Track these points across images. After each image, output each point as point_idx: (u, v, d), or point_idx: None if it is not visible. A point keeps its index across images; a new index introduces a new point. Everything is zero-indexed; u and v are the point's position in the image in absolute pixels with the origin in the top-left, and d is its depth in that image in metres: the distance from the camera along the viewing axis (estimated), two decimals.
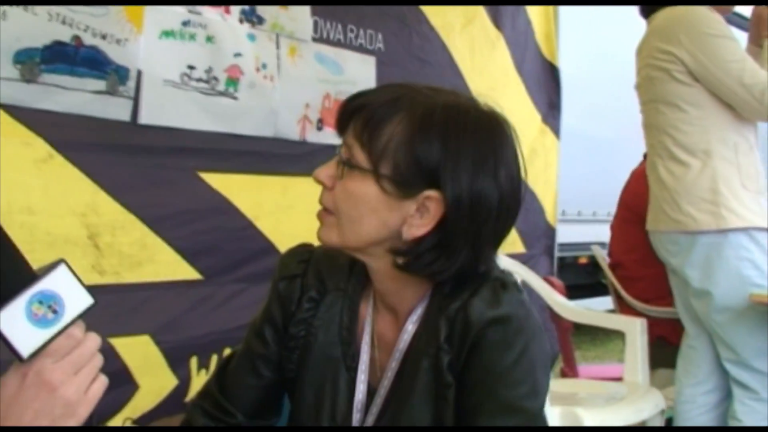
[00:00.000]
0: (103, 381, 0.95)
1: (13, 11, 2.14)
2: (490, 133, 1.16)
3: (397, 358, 1.22)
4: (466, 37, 3.59)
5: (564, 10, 4.20)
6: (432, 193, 1.12)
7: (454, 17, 3.53)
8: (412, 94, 1.16)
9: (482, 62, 3.68)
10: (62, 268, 0.92)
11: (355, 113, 1.16)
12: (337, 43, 3.01)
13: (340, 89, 2.97)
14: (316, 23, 2.93)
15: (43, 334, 0.90)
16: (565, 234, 4.72)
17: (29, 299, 0.89)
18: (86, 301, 0.94)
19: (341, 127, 1.19)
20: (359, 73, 3.07)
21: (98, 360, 0.95)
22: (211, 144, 2.61)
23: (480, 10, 3.68)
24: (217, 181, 2.63)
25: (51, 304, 0.90)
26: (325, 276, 1.29)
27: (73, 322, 0.93)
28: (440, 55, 3.47)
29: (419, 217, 1.14)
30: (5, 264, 0.89)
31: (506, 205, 1.16)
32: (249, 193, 2.70)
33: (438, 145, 1.12)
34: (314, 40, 2.92)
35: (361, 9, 3.09)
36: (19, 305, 0.88)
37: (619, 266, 3.50)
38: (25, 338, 0.89)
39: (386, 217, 1.14)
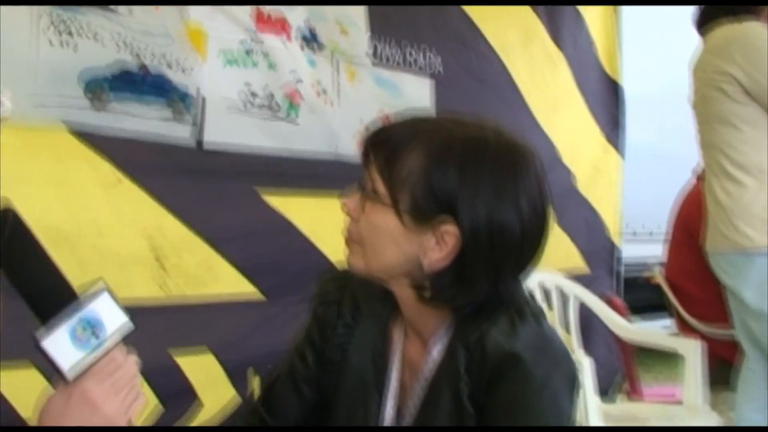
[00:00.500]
0: (142, 400, 1.00)
1: (83, 42, 2.25)
2: (510, 162, 1.16)
3: (422, 384, 1.23)
4: (526, 57, 3.60)
5: (627, 27, 4.15)
6: (448, 225, 1.13)
7: (513, 37, 3.55)
8: (432, 127, 1.18)
9: (542, 81, 3.68)
10: (105, 295, 0.96)
11: (376, 146, 1.19)
12: (395, 66, 3.06)
13: (399, 111, 2.98)
14: (375, 47, 2.99)
15: (86, 357, 0.94)
16: (635, 252, 4.65)
17: (74, 323, 0.93)
18: (127, 326, 0.98)
19: (364, 159, 1.20)
20: (417, 94, 3.12)
21: (138, 381, 1.00)
22: (273, 166, 2.68)
23: (540, 29, 3.68)
24: (279, 202, 2.69)
25: (94, 328, 0.94)
26: (361, 302, 1.32)
27: (114, 346, 0.97)
28: (499, 75, 3.49)
29: (438, 249, 1.14)
30: (49, 285, 0.93)
31: (529, 235, 1.16)
32: (309, 214, 2.74)
33: (454, 176, 1.13)
34: (373, 63, 2.98)
35: (419, 31, 3.14)
36: (64, 329, 0.93)
37: (679, 288, 3.43)
38: (70, 360, 0.93)
39: (406, 248, 1.16)
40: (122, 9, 2.33)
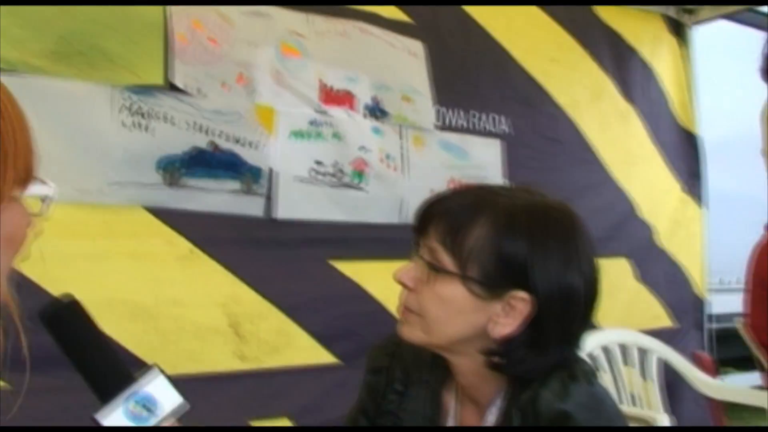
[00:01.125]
0: None
1: (156, 124, 2.40)
2: (570, 227, 1.19)
3: None
4: (595, 113, 3.59)
5: (701, 73, 4.09)
6: (520, 292, 1.14)
7: (580, 94, 3.55)
8: (490, 196, 1.20)
9: (614, 136, 3.65)
10: (159, 377, 0.99)
11: (434, 218, 1.19)
12: (461, 129, 3.10)
13: (467, 173, 3.04)
14: (438, 112, 3.05)
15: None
16: (725, 304, 4.46)
17: (130, 403, 0.97)
18: (182, 406, 1.00)
19: (420, 231, 1.21)
20: (485, 156, 3.15)
21: None
22: (341, 233, 2.76)
23: (608, 84, 3.66)
24: (349, 268, 2.75)
25: (149, 407, 0.98)
26: (410, 368, 1.31)
27: (170, 425, 1.00)
28: (569, 132, 3.49)
29: (505, 315, 1.15)
30: (108, 368, 0.99)
31: (592, 296, 1.19)
32: (379, 279, 2.72)
33: (523, 245, 1.14)
34: (437, 128, 3.04)
35: (484, 95, 3.19)
36: (120, 408, 0.96)
37: (763, 342, 3.28)
38: None
39: (473, 317, 1.16)
40: (193, 91, 2.48)
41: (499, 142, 3.21)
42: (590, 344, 2.95)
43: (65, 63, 2.31)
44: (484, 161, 3.14)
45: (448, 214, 1.18)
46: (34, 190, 0.88)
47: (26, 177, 0.86)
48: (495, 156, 3.19)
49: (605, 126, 3.63)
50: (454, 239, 1.15)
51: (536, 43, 3.42)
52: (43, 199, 0.90)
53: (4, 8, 2.20)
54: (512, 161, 3.21)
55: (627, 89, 3.75)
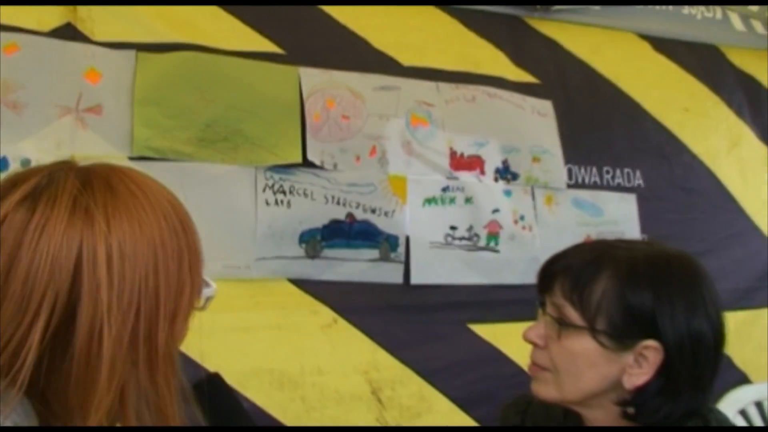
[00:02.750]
0: None
1: (296, 200, 2.50)
2: (693, 274, 1.20)
3: None
4: (734, 160, 3.47)
5: None
6: (650, 341, 1.15)
7: (717, 142, 3.45)
8: (610, 250, 1.22)
9: (757, 183, 3.51)
10: None
11: (558, 275, 1.22)
12: (593, 186, 3.07)
13: (601, 230, 3.00)
14: (570, 170, 3.03)
15: None
16: None
17: None
18: None
19: (545, 288, 1.24)
20: (620, 211, 3.10)
21: None
22: (478, 296, 2.76)
23: (745, 130, 3.54)
24: (486, 331, 2.75)
25: None
26: (541, 425, 1.34)
27: None
28: (707, 181, 3.39)
29: (638, 366, 1.16)
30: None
31: (720, 341, 1.18)
32: (517, 340, 2.64)
33: (649, 295, 1.15)
34: (569, 186, 3.01)
35: (615, 149, 3.15)
36: None
37: None
38: None
39: (605, 370, 1.17)
40: (329, 166, 2.58)
41: (633, 196, 3.15)
42: (736, 396, 2.86)
43: (211, 148, 2.43)
44: (619, 216, 3.09)
45: (571, 271, 1.20)
46: (204, 293, 0.95)
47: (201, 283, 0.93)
48: (630, 210, 3.14)
49: (745, 173, 3.50)
50: (580, 294, 1.18)
51: (668, 94, 3.35)
52: (207, 299, 0.97)
53: (153, 101, 2.36)
54: (648, 215, 3.15)
55: (766, 134, 3.60)
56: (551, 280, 1.23)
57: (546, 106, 3.04)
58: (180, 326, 0.90)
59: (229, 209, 2.42)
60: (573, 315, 1.18)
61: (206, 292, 0.96)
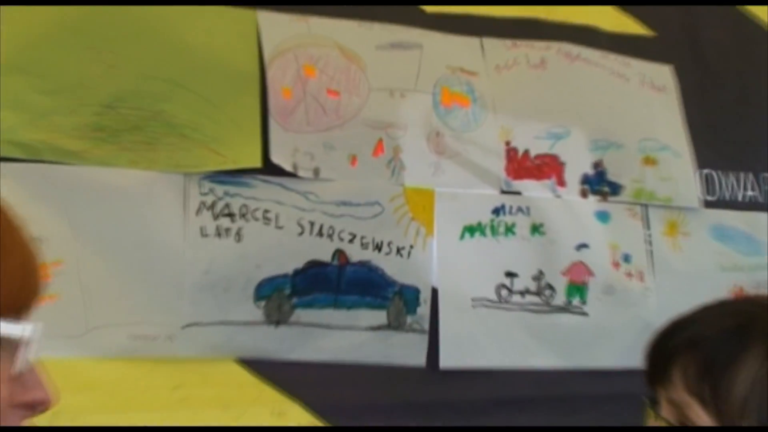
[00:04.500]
0: None
1: (251, 228, 1.98)
2: None
3: None
4: None
5: None
6: None
7: None
8: (764, 314, 0.96)
9: None
10: None
11: (678, 356, 0.96)
12: (746, 205, 2.40)
13: (760, 278, 2.35)
14: (707, 179, 2.35)
15: None
16: None
17: None
18: None
19: (656, 377, 0.99)
20: None
21: None
22: (552, 389, 2.16)
23: None
24: None
25: None
26: None
27: None
28: None
29: None
30: None
31: None
32: None
33: None
34: (707, 205, 2.33)
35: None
36: None
37: None
38: None
39: None
40: (306, 173, 2.02)
41: None
42: None
43: (113, 143, 1.84)
44: None
45: (700, 349, 0.95)
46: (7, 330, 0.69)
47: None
48: None
49: None
50: (714, 387, 0.93)
51: None
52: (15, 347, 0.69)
53: (21, 67, 1.77)
54: None
55: None
56: (667, 363, 0.97)
57: (664, 73, 2.38)
58: None
59: (142, 243, 1.85)
60: (703, 419, 0.94)
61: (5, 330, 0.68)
